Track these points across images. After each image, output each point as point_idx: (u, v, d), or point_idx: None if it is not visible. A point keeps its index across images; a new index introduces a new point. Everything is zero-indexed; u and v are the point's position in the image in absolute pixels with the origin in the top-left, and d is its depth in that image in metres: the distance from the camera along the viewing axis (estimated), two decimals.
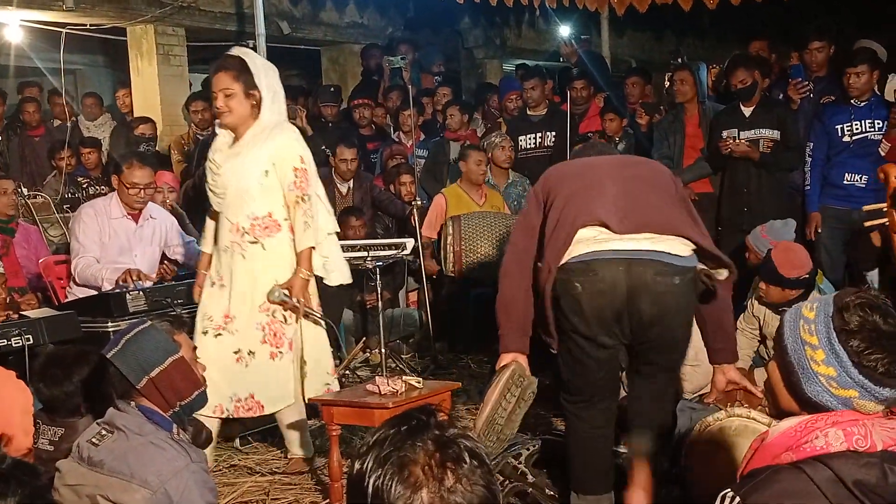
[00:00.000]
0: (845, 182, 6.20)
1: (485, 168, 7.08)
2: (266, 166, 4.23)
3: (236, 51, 4.43)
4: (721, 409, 3.71)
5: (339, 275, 4.57)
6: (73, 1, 7.86)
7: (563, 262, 3.36)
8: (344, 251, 5.32)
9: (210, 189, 4.37)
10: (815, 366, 2.00)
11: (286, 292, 4.23)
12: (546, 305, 3.44)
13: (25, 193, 6.79)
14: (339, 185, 7.17)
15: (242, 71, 4.22)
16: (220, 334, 4.28)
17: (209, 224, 4.52)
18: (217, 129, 4.45)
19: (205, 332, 4.28)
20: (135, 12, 8.33)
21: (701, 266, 3.46)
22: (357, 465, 1.52)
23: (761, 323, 5.15)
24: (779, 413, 2.12)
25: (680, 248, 3.37)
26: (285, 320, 4.35)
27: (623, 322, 3.37)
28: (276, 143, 4.25)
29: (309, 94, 9.30)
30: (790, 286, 4.79)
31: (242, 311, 4.28)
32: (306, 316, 4.34)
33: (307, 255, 4.29)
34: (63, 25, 8.04)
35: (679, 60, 7.55)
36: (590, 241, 3.35)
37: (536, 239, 3.53)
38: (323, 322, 4.44)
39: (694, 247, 3.41)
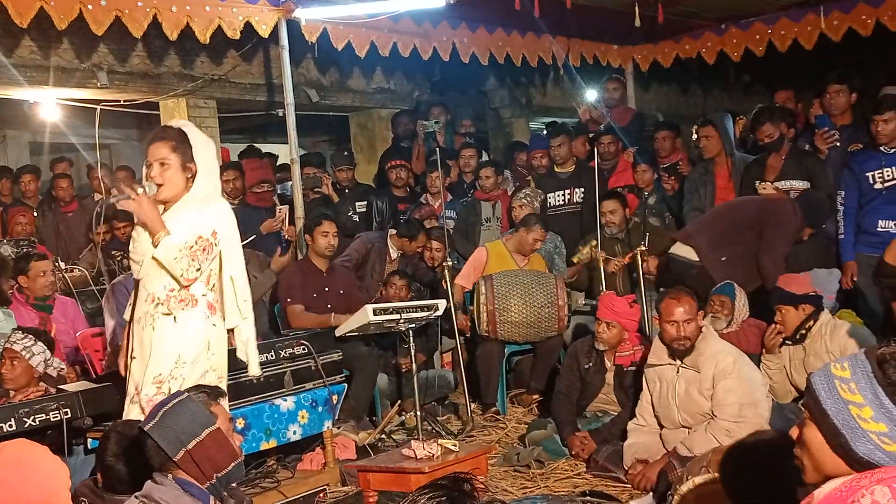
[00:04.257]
0: (879, 229, 6.14)
1: (540, 245, 7.05)
2: (188, 238, 4.00)
3: (177, 123, 4.26)
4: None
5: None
6: (106, 78, 8.04)
7: None
8: (377, 314, 5.35)
9: (130, 257, 4.19)
10: (863, 424, 1.99)
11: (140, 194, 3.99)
12: None
13: (62, 267, 6.89)
14: (391, 250, 7.32)
15: (181, 143, 4.07)
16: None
17: (133, 294, 4.25)
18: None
19: (132, 402, 4.02)
20: (167, 87, 8.50)
21: None
22: None
23: (786, 362, 5.29)
24: (821, 479, 2.08)
25: None
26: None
27: None
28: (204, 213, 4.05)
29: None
30: (802, 301, 5.14)
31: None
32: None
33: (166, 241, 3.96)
34: (97, 102, 8.21)
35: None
36: None
37: None
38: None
39: None
